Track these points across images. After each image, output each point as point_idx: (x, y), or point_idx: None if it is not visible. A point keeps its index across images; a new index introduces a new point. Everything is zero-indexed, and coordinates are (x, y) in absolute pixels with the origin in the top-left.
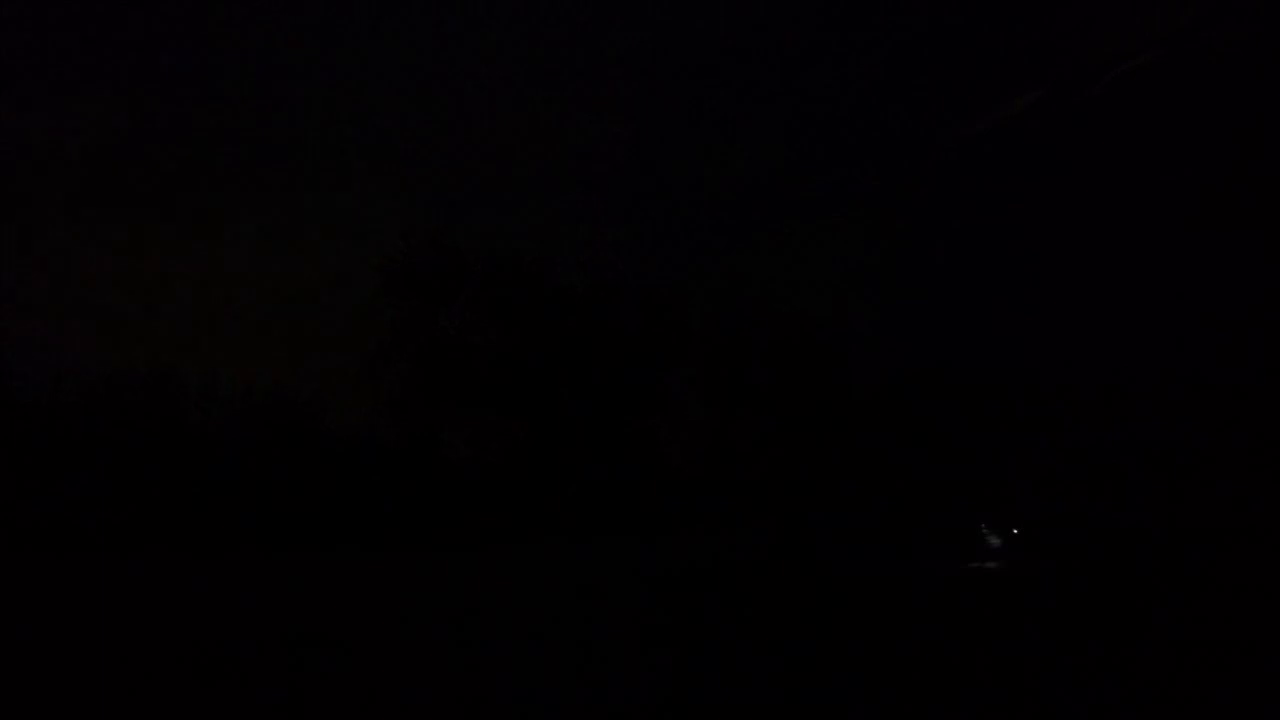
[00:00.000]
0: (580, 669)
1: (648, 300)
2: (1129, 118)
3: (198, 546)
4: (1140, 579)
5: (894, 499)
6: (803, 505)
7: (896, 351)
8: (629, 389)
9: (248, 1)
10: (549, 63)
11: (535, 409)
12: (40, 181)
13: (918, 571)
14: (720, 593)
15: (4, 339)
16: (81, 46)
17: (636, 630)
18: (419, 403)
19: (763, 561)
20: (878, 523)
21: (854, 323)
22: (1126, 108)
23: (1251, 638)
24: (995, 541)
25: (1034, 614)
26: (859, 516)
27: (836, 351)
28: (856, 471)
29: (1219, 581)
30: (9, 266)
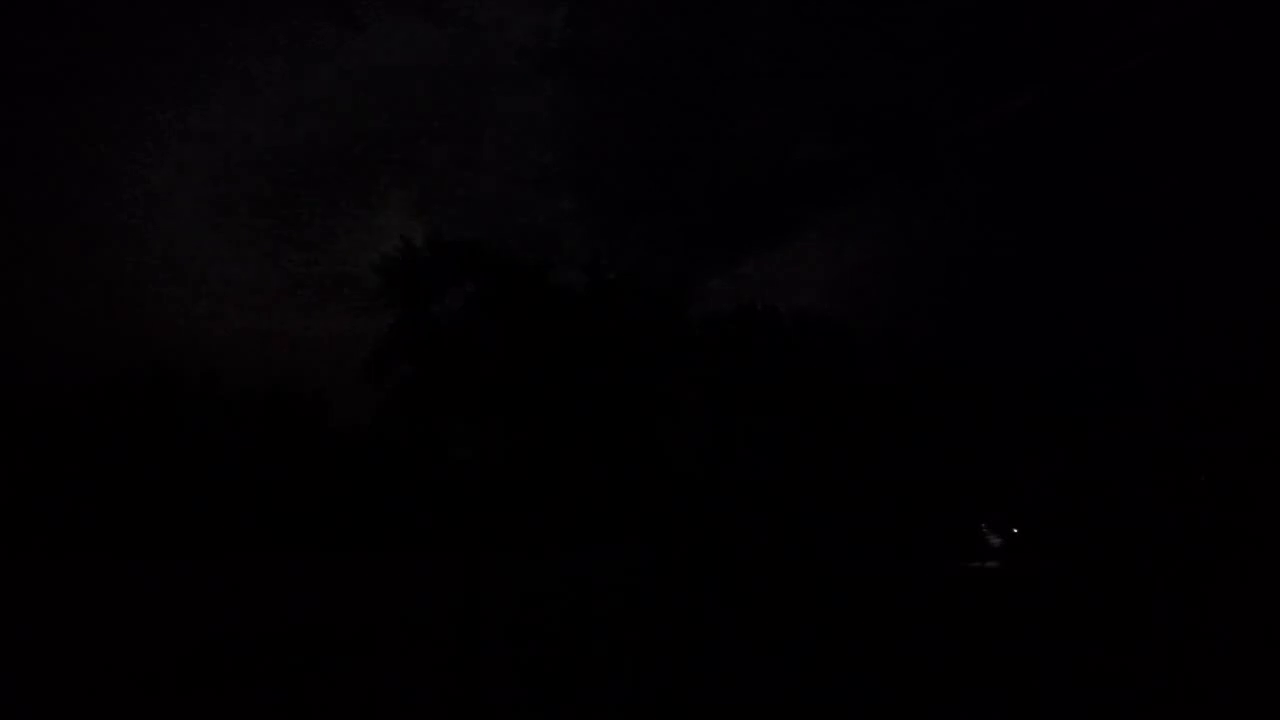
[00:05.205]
0: (580, 669)
1: (649, 300)
2: (1129, 118)
3: (197, 546)
4: (1140, 579)
5: (894, 499)
6: (803, 505)
7: (898, 351)
8: (630, 389)
9: None
10: (549, 59)
11: (536, 409)
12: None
13: (918, 571)
14: (720, 593)
15: (4, 339)
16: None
17: (637, 630)
18: (419, 403)
19: (761, 562)
20: (878, 523)
21: (855, 322)
22: (1127, 108)
23: (1251, 638)
24: (995, 541)
25: (1034, 614)
26: (859, 516)
27: (837, 351)
28: (856, 471)
29: (1219, 581)
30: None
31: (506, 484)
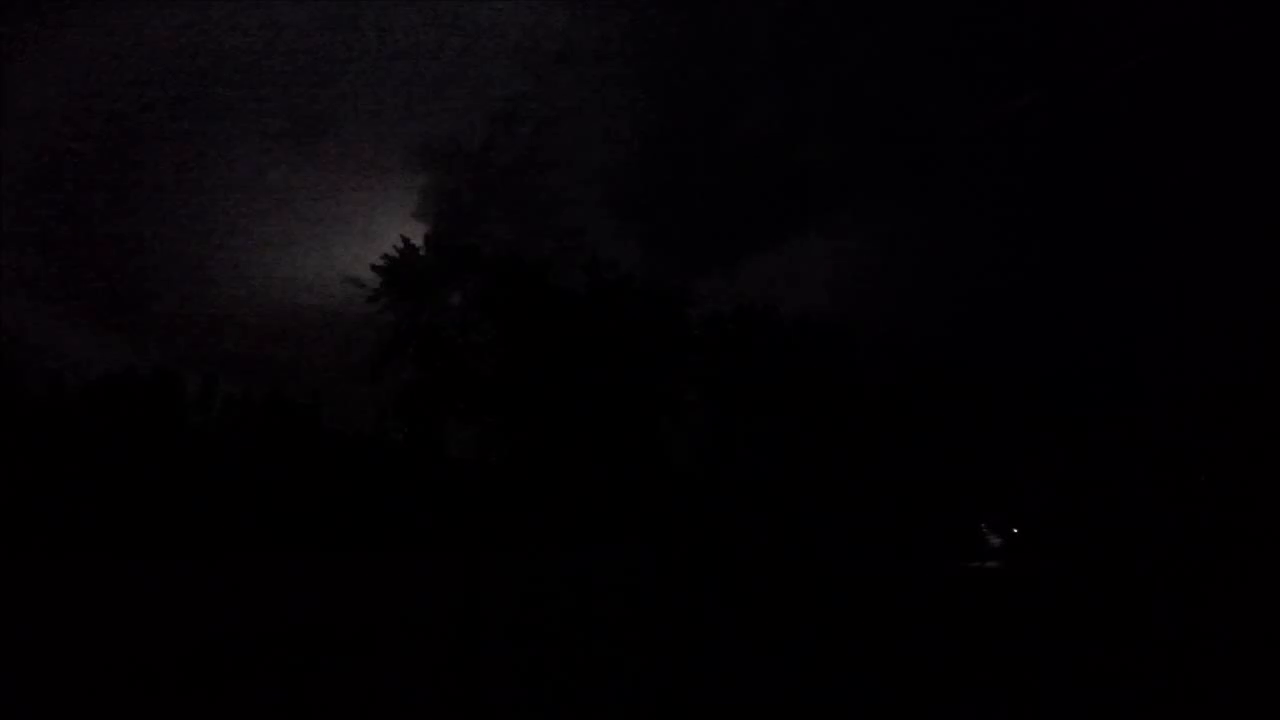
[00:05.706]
0: (580, 669)
1: (649, 300)
2: (1129, 118)
3: (197, 546)
4: (1140, 579)
5: (894, 499)
6: (803, 505)
7: (897, 351)
8: (630, 389)
9: None
10: (550, 60)
11: (536, 409)
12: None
13: (918, 571)
14: (720, 593)
15: (5, 339)
16: None
17: (637, 630)
18: (419, 403)
19: (761, 562)
20: (878, 523)
21: (855, 322)
22: (1127, 108)
23: (1252, 638)
24: (995, 541)
25: (1034, 614)
26: (859, 516)
27: (837, 351)
28: (856, 471)
29: (1219, 581)
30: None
31: (506, 484)
